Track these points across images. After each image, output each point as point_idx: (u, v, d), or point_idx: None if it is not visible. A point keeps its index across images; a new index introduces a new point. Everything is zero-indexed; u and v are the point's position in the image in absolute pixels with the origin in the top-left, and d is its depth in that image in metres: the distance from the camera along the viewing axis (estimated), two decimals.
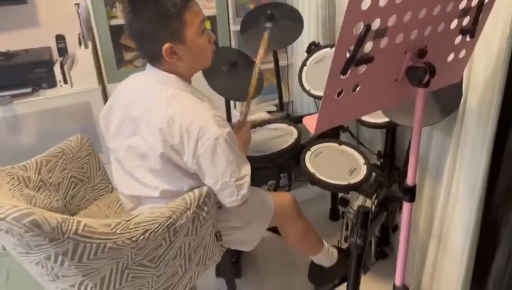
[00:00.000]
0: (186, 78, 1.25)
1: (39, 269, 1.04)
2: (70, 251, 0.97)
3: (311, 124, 0.92)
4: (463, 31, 0.98)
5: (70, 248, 0.97)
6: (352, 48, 0.81)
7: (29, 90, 2.00)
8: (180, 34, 1.15)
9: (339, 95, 0.87)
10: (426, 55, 0.94)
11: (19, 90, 1.98)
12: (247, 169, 1.24)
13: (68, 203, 1.43)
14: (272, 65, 2.12)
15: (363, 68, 0.86)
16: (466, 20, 0.97)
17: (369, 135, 2.04)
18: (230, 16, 2.26)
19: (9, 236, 0.95)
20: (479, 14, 0.97)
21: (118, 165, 1.34)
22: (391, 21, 0.82)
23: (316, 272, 1.73)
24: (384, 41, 0.85)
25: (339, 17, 2.05)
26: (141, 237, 1.07)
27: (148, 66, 1.24)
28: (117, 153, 1.32)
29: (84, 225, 0.98)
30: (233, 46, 2.32)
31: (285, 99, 2.32)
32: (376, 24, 0.80)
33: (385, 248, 1.89)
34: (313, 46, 1.90)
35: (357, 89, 0.90)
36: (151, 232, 1.08)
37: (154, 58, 1.20)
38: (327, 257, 1.68)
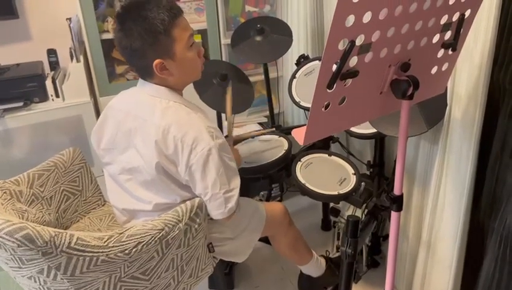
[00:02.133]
0: (177, 90, 1.27)
1: (31, 283, 1.04)
2: (63, 264, 0.98)
3: (299, 136, 0.94)
4: (445, 45, 1.02)
5: (63, 262, 0.98)
6: (337, 62, 0.83)
7: (21, 104, 2.00)
8: (169, 50, 1.17)
9: (326, 107, 0.90)
10: (410, 69, 0.97)
11: (11, 104, 1.98)
12: (236, 182, 1.25)
13: (60, 216, 1.44)
14: (262, 77, 2.15)
15: (348, 82, 0.89)
16: (448, 35, 1.01)
17: (359, 145, 2.07)
18: (221, 29, 2.29)
19: (2, 251, 0.95)
20: (460, 28, 1.00)
21: (110, 179, 1.35)
22: (375, 37, 0.85)
23: (305, 282, 1.75)
24: (368, 56, 0.88)
25: (328, 30, 2.10)
26: (134, 250, 1.08)
27: (140, 80, 1.26)
28: (110, 167, 1.33)
29: (77, 239, 0.99)
30: (224, 59, 2.35)
31: (275, 111, 2.34)
32: (360, 40, 0.83)
33: (376, 257, 1.91)
34: (302, 59, 1.94)
35: (344, 101, 0.92)
36: (143, 245, 1.09)
37: (146, 73, 1.22)
38: (316, 267, 1.69)
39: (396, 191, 1.08)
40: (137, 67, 1.23)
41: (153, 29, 1.13)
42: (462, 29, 1.01)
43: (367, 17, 0.80)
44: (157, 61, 1.17)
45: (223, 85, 1.75)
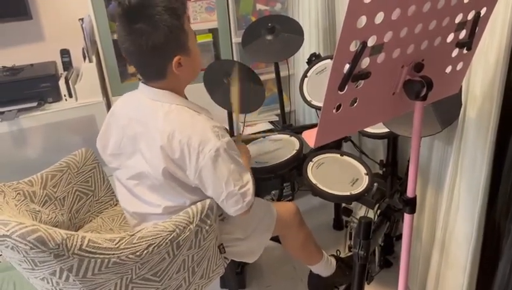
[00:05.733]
0: (180, 92, 1.25)
1: (44, 284, 1.05)
2: (75, 266, 0.99)
3: (310, 138, 0.93)
4: (460, 44, 1.00)
5: (75, 264, 0.98)
6: (349, 63, 0.82)
7: (34, 104, 2.02)
8: (185, 45, 1.17)
9: (337, 109, 0.89)
10: (423, 69, 0.95)
11: (25, 104, 2.00)
12: (248, 176, 1.25)
13: (73, 217, 1.45)
14: (273, 75, 2.14)
15: (360, 83, 0.87)
16: (462, 34, 0.99)
17: (372, 144, 2.05)
18: (232, 28, 2.28)
19: (15, 253, 0.96)
20: (475, 27, 0.98)
21: (119, 183, 1.35)
22: (387, 37, 0.84)
23: (314, 282, 1.74)
24: (381, 57, 0.86)
25: (339, 28, 2.08)
26: (145, 252, 1.08)
27: (141, 84, 1.24)
28: (118, 172, 1.33)
29: (89, 241, 1.00)
30: (235, 58, 2.34)
31: (287, 109, 2.33)
32: (372, 40, 0.81)
33: (389, 257, 1.89)
34: (314, 58, 1.92)
35: (355, 103, 0.91)
36: (154, 247, 1.09)
37: (157, 74, 1.19)
38: (326, 266, 1.68)
39: (409, 193, 1.06)
40: (153, 68, 1.19)
41: (169, 24, 1.10)
42: (477, 28, 0.98)
43: (379, 17, 0.79)
44: (177, 57, 1.15)
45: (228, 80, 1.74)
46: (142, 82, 1.24)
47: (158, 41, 1.11)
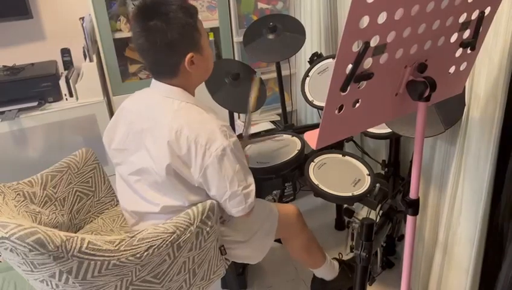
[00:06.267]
0: (191, 91, 1.26)
1: (44, 286, 1.04)
2: (74, 268, 0.98)
3: (312, 139, 0.92)
4: (463, 44, 0.98)
5: (75, 266, 0.98)
6: (352, 64, 0.81)
7: (35, 104, 2.02)
8: (198, 43, 1.19)
9: (339, 110, 0.88)
10: (427, 69, 0.94)
11: (25, 104, 2.00)
12: (251, 178, 1.26)
13: (73, 217, 1.44)
14: (275, 74, 2.12)
15: (363, 84, 0.86)
16: (466, 33, 0.97)
17: (374, 144, 2.04)
18: (233, 27, 2.26)
19: (14, 255, 0.96)
20: (479, 27, 0.97)
21: (121, 180, 1.34)
22: (390, 37, 0.82)
23: (318, 286, 1.73)
24: (383, 57, 0.85)
25: (341, 27, 2.06)
26: (145, 254, 1.07)
27: (154, 81, 1.25)
28: (120, 168, 1.33)
29: (88, 243, 0.99)
30: (236, 57, 2.33)
31: (288, 109, 2.32)
32: (375, 41, 0.80)
33: (391, 258, 1.88)
34: (315, 57, 1.91)
35: (358, 104, 0.90)
36: (154, 248, 1.08)
37: (170, 71, 1.20)
38: (329, 270, 1.67)
39: (412, 195, 1.05)
40: (166, 65, 1.20)
41: (183, 22, 1.13)
42: (481, 28, 0.97)
43: (382, 17, 0.77)
44: (190, 54, 1.17)
45: (235, 84, 1.73)
46: (156, 79, 1.25)
47: (172, 37, 1.13)
